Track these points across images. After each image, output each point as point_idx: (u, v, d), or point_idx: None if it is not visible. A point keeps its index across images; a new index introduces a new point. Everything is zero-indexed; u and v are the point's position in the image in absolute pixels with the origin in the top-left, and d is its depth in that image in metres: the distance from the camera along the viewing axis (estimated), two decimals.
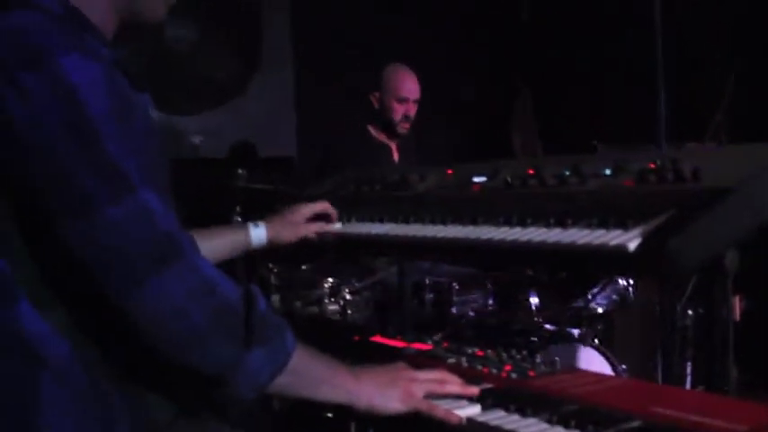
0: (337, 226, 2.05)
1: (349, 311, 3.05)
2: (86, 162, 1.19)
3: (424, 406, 1.42)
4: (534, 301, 3.20)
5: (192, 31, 4.00)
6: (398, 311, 2.76)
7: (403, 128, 3.95)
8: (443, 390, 1.46)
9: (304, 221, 2.04)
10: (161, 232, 1.24)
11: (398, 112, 3.90)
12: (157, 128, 1.40)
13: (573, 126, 4.71)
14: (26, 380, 1.21)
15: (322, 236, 2.03)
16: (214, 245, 1.86)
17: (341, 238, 2.02)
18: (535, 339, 2.90)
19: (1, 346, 1.21)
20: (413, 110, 3.94)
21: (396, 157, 4.03)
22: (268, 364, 1.31)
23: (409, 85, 3.92)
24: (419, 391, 1.44)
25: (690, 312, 2.94)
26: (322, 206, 2.07)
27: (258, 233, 1.98)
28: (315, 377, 1.39)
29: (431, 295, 3.24)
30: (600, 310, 3.19)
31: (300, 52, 4.62)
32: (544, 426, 1.32)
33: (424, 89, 3.98)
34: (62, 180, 1.19)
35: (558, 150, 4.05)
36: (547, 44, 5.16)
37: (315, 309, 3.08)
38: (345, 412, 1.43)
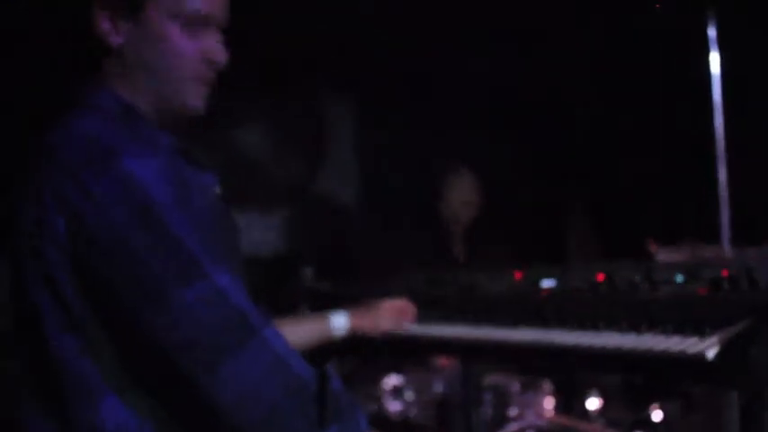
0: (410, 326, 2.10)
1: (411, 411, 3.05)
2: (157, 251, 1.22)
3: None
4: (597, 404, 3.16)
5: (260, 136, 4.17)
6: (462, 412, 2.75)
7: (455, 228, 3.84)
8: None
9: (386, 315, 2.09)
10: (234, 312, 1.25)
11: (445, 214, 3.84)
12: (223, 204, 1.42)
13: (625, 226, 4.71)
14: None
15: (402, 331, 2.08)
16: (296, 335, 1.85)
17: (412, 339, 2.06)
18: None
19: None
20: (464, 211, 3.83)
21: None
22: None
23: (458, 192, 3.85)
24: None
25: None
26: (403, 304, 2.13)
27: (339, 321, 2.01)
28: None
29: (490, 396, 3.22)
30: (664, 416, 3.14)
31: (366, 156, 4.75)
32: None
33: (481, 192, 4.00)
34: (134, 270, 1.22)
35: (610, 248, 4.04)
36: (600, 147, 5.22)
37: (375, 407, 3.09)
38: None
